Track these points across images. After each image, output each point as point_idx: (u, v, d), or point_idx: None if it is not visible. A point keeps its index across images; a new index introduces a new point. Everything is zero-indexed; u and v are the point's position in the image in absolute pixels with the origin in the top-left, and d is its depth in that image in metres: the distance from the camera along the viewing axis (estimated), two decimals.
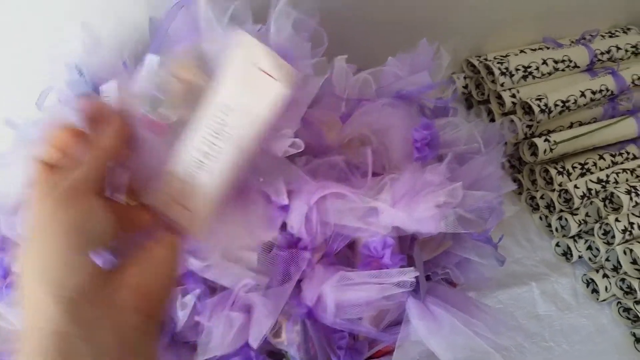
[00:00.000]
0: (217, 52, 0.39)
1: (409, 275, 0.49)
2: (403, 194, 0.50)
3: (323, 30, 0.49)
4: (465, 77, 0.89)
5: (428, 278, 0.56)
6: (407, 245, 0.55)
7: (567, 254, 0.80)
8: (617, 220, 0.72)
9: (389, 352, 0.55)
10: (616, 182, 0.78)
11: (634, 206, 0.71)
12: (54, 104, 0.51)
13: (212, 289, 0.51)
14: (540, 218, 0.84)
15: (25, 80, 0.53)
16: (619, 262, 0.73)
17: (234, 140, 0.37)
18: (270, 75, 0.35)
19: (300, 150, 0.47)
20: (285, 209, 0.50)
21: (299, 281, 0.52)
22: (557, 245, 0.81)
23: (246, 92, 0.36)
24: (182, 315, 0.49)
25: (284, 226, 0.51)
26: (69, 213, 0.31)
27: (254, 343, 0.49)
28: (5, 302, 0.50)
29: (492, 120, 0.86)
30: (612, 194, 0.73)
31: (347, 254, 0.56)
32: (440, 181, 0.48)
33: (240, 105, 0.36)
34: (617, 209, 0.73)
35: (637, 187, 0.72)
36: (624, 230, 0.72)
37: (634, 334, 0.74)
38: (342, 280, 0.50)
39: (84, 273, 0.31)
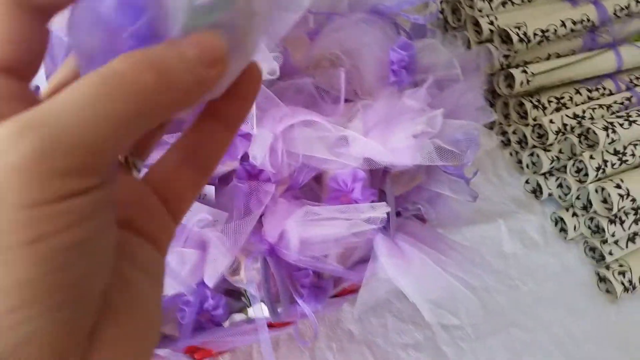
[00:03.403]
0: None
1: (380, 211, 0.46)
2: (377, 122, 0.45)
3: None
4: (441, 1, 0.83)
5: (398, 214, 0.53)
6: (378, 179, 0.51)
7: (536, 192, 0.78)
8: (591, 157, 0.70)
9: (355, 291, 0.53)
10: (592, 117, 0.75)
11: (609, 143, 0.69)
12: None
13: None
14: (511, 154, 0.81)
15: None
16: (589, 200, 0.71)
17: None
18: None
19: (276, 77, 0.41)
20: (247, 137, 0.45)
21: (261, 216, 0.48)
22: (527, 182, 0.79)
23: None
24: None
25: (244, 156, 0.46)
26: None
27: (210, 281, 0.46)
28: None
29: (468, 48, 0.81)
30: (588, 129, 0.70)
31: (313, 187, 0.52)
32: (420, 107, 0.43)
33: None
34: (592, 145, 0.71)
35: (614, 124, 0.69)
36: (598, 168, 0.69)
37: (597, 273, 0.73)
38: (308, 215, 0.46)
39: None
